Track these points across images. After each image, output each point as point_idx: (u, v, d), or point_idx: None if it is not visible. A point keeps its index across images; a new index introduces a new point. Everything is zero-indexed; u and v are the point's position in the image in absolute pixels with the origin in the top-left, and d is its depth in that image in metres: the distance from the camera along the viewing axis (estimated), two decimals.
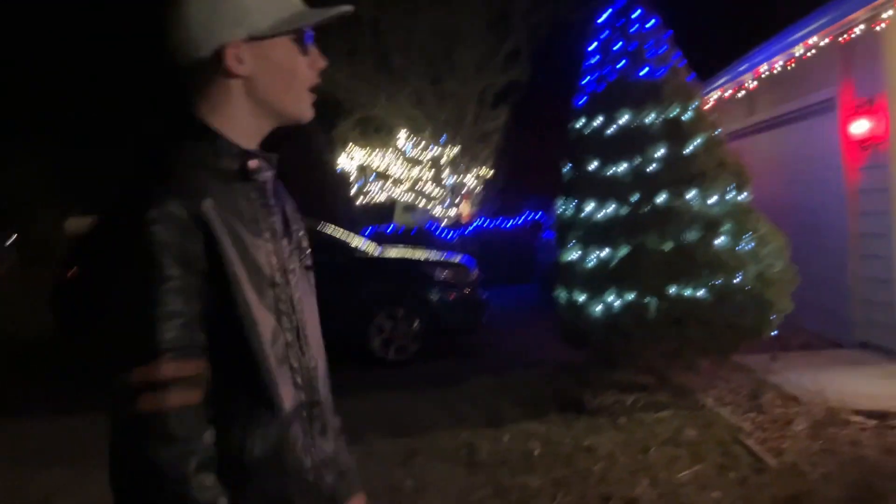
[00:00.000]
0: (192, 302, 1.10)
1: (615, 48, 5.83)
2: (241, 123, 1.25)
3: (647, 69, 5.66)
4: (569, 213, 5.94)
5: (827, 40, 6.21)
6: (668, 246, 5.29)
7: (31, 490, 4.70)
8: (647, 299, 5.26)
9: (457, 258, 8.95)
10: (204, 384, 1.11)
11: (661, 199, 5.35)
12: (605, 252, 5.50)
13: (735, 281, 5.19)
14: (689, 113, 5.55)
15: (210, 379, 1.12)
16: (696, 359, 5.55)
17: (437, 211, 18.37)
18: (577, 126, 5.95)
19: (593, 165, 5.70)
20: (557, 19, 15.51)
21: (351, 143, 18.65)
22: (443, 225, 16.70)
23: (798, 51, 6.58)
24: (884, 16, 5.50)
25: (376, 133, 18.46)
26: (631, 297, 5.31)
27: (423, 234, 14.96)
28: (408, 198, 19.05)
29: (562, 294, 5.85)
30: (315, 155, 18.48)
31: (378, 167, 18.77)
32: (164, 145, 1.22)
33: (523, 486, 4.13)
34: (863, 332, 6.61)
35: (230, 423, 1.14)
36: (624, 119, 5.59)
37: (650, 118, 5.51)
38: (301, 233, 1.37)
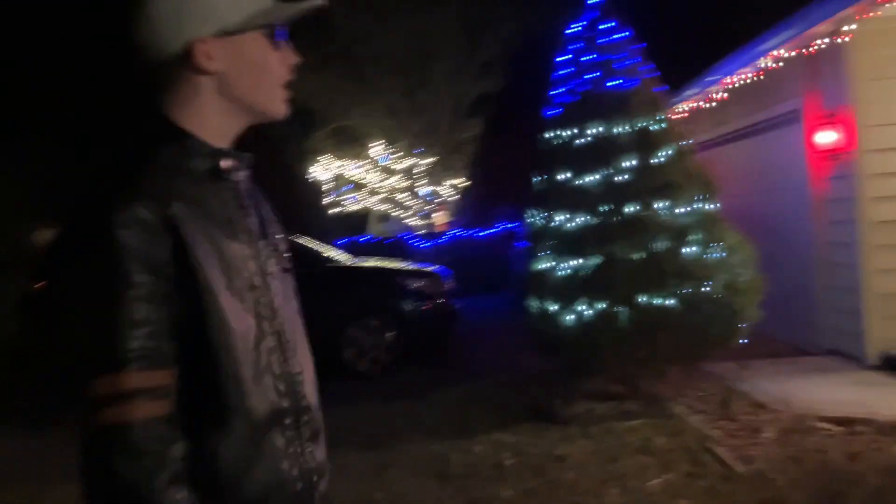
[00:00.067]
0: (159, 310, 1.05)
1: (586, 60, 5.88)
2: (212, 122, 1.20)
3: (617, 81, 5.71)
4: (540, 223, 5.96)
5: (792, 53, 6.32)
6: (638, 255, 5.33)
7: None
8: (617, 308, 5.29)
9: (430, 268, 8.94)
10: (172, 395, 1.06)
11: (630, 209, 5.39)
12: (576, 262, 5.53)
13: (704, 290, 5.25)
14: (658, 124, 5.61)
15: (181, 388, 1.08)
16: (667, 367, 5.60)
17: (412, 221, 18.38)
18: (548, 137, 5.98)
19: (564, 176, 5.74)
20: (530, 30, 15.62)
21: (325, 154, 18.62)
22: (417, 234, 16.70)
23: (764, 63, 6.69)
24: (845, 29, 5.60)
25: (351, 143, 18.44)
26: (601, 306, 5.34)
27: (397, 244, 14.95)
28: (382, 208, 19.04)
29: (533, 303, 5.87)
30: (288, 165, 18.42)
31: (352, 177, 18.74)
32: (131, 146, 1.18)
33: (494, 498, 4.13)
34: (830, 340, 6.70)
35: (202, 432, 1.10)
36: (594, 130, 5.64)
37: (620, 129, 5.56)
38: (278, 235, 1.33)
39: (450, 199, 18.88)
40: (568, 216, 5.65)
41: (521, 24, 16.12)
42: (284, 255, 1.33)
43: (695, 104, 8.71)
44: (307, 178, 18.94)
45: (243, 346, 1.13)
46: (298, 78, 1.31)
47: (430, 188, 18.21)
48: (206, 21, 1.15)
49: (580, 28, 6.02)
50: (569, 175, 5.72)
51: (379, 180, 18.50)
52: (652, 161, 5.49)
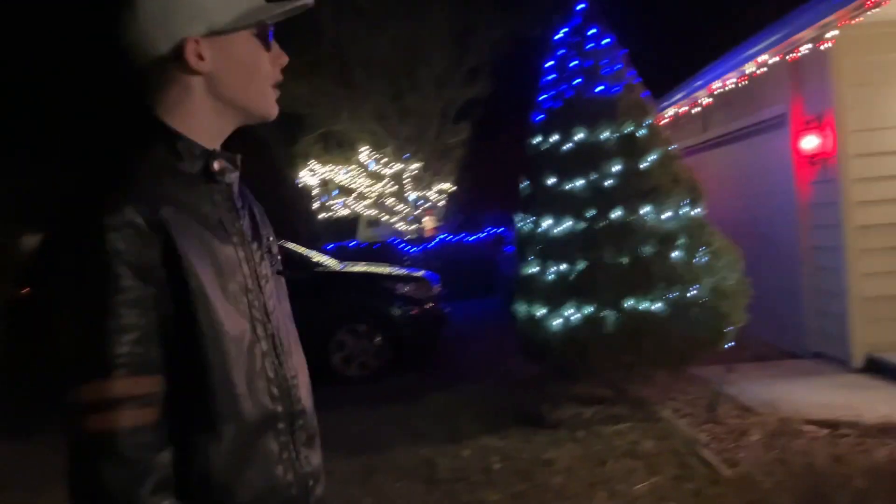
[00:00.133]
0: (148, 315, 1.04)
1: (571, 66, 5.91)
2: (202, 123, 1.19)
3: (602, 86, 5.74)
4: (527, 227, 5.98)
5: (776, 58, 6.37)
6: (624, 260, 5.35)
7: None
8: (604, 313, 5.31)
9: (419, 273, 8.94)
10: (160, 401, 1.05)
11: (616, 214, 5.42)
12: (563, 266, 5.55)
13: (690, 294, 5.27)
14: (643, 129, 5.64)
15: (171, 393, 1.06)
16: (654, 371, 5.62)
17: (401, 226, 18.37)
18: (535, 142, 6.01)
19: (551, 181, 5.76)
20: (518, 36, 15.67)
21: (313, 159, 18.59)
22: (406, 239, 16.69)
23: (749, 68, 6.74)
24: (828, 35, 5.65)
25: (339, 148, 18.42)
26: (588, 310, 5.36)
27: (385, 249, 14.94)
28: (371, 213, 19.02)
29: (521, 308, 5.89)
30: (276, 170, 18.38)
31: (341, 182, 18.72)
32: (120, 148, 1.16)
33: (482, 502, 4.15)
34: (816, 343, 6.75)
35: (192, 437, 1.08)
36: (580, 136, 5.66)
37: (605, 135, 5.59)
38: (271, 237, 1.32)
39: (438, 203, 18.89)
40: (555, 221, 5.68)
41: (508, 30, 16.17)
42: (277, 257, 1.32)
43: (681, 109, 8.76)
44: (296, 184, 18.91)
45: (236, 350, 1.12)
46: (286, 82, 1.30)
47: (419, 193, 18.22)
48: (195, 20, 1.14)
49: (565, 34, 6.05)
50: (555, 180, 5.74)
51: (367, 185, 18.48)
52: (638, 166, 5.52)
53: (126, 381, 1.01)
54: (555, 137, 5.81)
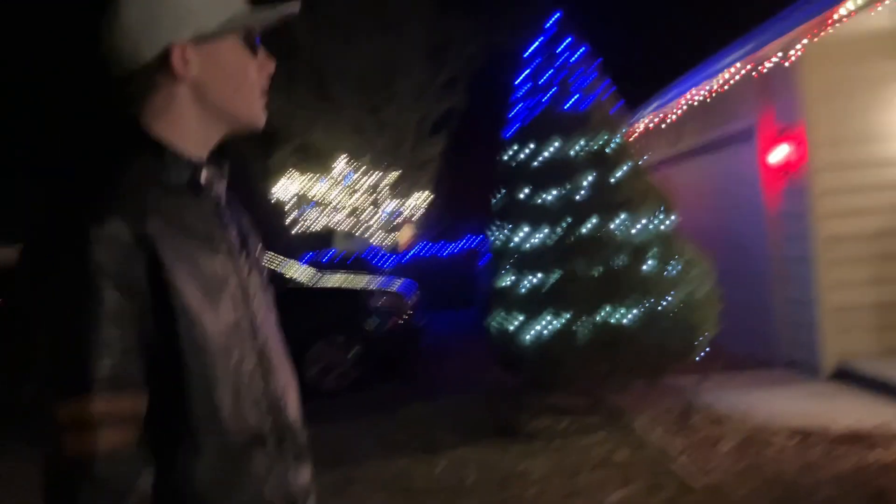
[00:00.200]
0: (130, 330, 1.00)
1: (544, 78, 5.97)
2: (189, 132, 1.15)
3: (574, 98, 5.80)
4: (501, 239, 6.01)
5: (745, 71, 6.47)
6: (597, 271, 5.40)
7: None
8: (578, 324, 5.35)
9: (396, 284, 8.94)
10: (141, 420, 1.01)
11: (589, 226, 5.46)
12: (537, 278, 5.58)
13: (662, 305, 5.33)
14: (615, 142, 5.70)
15: (154, 411, 1.02)
16: (628, 381, 5.66)
17: (377, 237, 18.36)
18: (508, 155, 6.05)
19: (523, 193, 5.80)
20: (493, 48, 15.78)
21: (290, 169, 18.54)
22: (382, 251, 16.69)
23: (719, 80, 6.84)
24: (795, 49, 5.76)
25: (314, 160, 18.40)
26: (562, 321, 5.40)
27: (361, 261, 14.91)
28: (347, 224, 19.00)
29: (496, 319, 5.91)
30: (250, 183, 18.30)
31: (316, 195, 18.69)
32: (104, 158, 1.12)
33: None
34: (787, 352, 6.84)
35: (176, 456, 1.04)
36: (552, 149, 5.71)
37: (577, 147, 5.64)
38: (259, 247, 1.29)
39: (415, 215, 18.91)
40: (528, 233, 5.71)
41: (483, 43, 16.29)
42: (265, 268, 1.29)
43: (654, 121, 8.87)
44: (270, 197, 18.85)
45: (222, 367, 1.08)
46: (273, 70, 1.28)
47: (395, 204, 18.24)
48: (181, 26, 1.11)
49: (538, 46, 6.11)
50: (528, 193, 5.78)
51: (343, 197, 18.47)
52: (609, 179, 5.58)
53: (107, 398, 0.97)
54: (527, 150, 5.86)
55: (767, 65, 6.09)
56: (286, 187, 18.69)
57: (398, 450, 5.34)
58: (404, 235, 18.58)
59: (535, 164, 5.78)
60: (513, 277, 5.77)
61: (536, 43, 6.13)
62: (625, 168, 5.63)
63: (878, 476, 4.04)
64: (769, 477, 4.18)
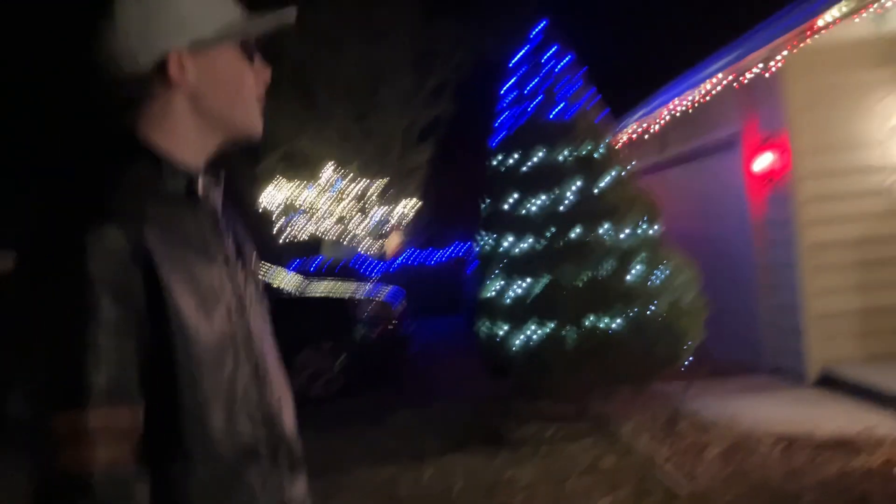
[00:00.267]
0: (127, 342, 0.98)
1: (530, 86, 6.00)
2: (185, 140, 1.14)
3: (560, 106, 5.83)
4: (489, 247, 6.03)
5: (729, 80, 6.53)
6: (583, 278, 5.42)
7: None
8: (565, 331, 5.36)
9: (383, 291, 8.93)
10: (138, 433, 0.98)
11: (575, 233, 5.49)
12: (524, 285, 5.60)
13: (649, 312, 5.35)
14: (601, 149, 5.73)
15: (148, 423, 1.00)
16: (615, 388, 5.68)
17: (365, 245, 18.35)
18: (495, 163, 6.07)
19: (510, 201, 5.82)
20: (480, 56, 15.85)
21: (277, 177, 18.52)
22: (370, 258, 16.67)
23: (704, 89, 6.90)
24: (778, 58, 5.82)
25: (302, 167, 18.39)
26: (549, 328, 5.41)
27: (348, 268, 14.90)
28: (335, 232, 18.98)
29: (483, 327, 5.92)
30: (237, 191, 18.25)
31: (304, 202, 18.67)
32: (99, 166, 1.10)
33: None
34: (773, 358, 6.88)
35: (167, 471, 1.02)
36: (538, 156, 5.73)
37: (563, 155, 5.67)
38: (254, 255, 1.27)
39: (403, 222, 18.92)
40: (515, 240, 5.73)
41: (470, 50, 16.35)
42: (260, 277, 1.28)
43: (639, 129, 8.92)
44: (258, 205, 18.80)
45: (216, 379, 1.06)
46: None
47: (383, 211, 18.24)
48: (178, 33, 1.10)
49: (524, 54, 6.14)
50: (515, 200, 5.80)
51: (331, 205, 18.45)
52: (595, 186, 5.60)
53: (103, 411, 0.95)
54: (514, 158, 5.88)
55: (749, 75, 6.14)
56: (273, 195, 18.66)
57: (385, 457, 5.33)
58: (392, 243, 18.58)
59: (522, 172, 5.81)
60: (500, 285, 5.79)
61: (522, 51, 6.17)
62: (610, 176, 5.66)
63: (861, 482, 4.07)
64: (754, 483, 4.20)
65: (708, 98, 6.91)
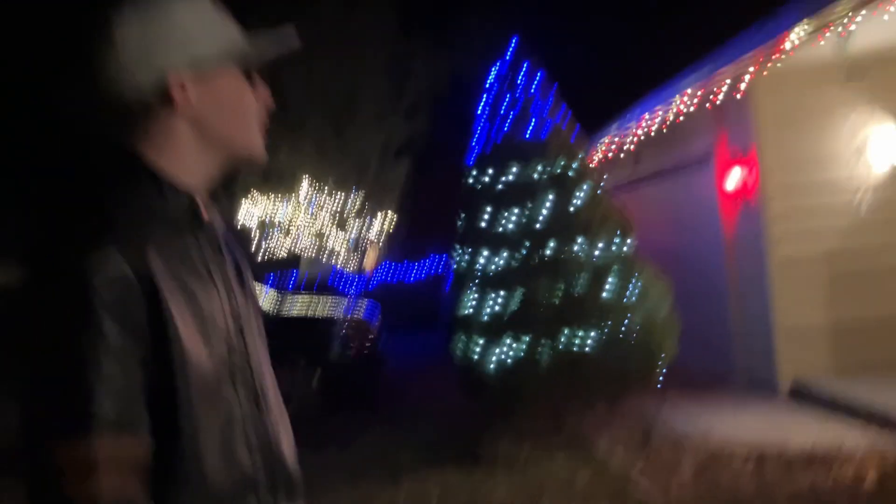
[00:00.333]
0: (131, 368, 0.94)
1: (503, 104, 6.06)
2: (187, 163, 1.11)
3: (534, 124, 5.89)
4: (464, 263, 6.05)
5: (698, 95, 6.64)
6: (557, 295, 5.45)
7: None
8: (539, 347, 5.39)
9: (360, 308, 8.91)
10: (145, 464, 0.95)
11: (549, 250, 5.53)
12: (499, 301, 5.62)
13: (622, 327, 5.39)
14: (574, 167, 5.79)
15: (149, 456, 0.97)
16: (590, 403, 5.70)
17: (342, 260, 18.30)
18: (469, 180, 6.11)
19: (486, 217, 5.85)
20: (455, 73, 15.95)
21: (253, 193, 18.43)
22: (347, 274, 16.63)
23: (675, 107, 7.00)
24: (746, 78, 5.93)
25: (279, 183, 18.33)
26: (524, 344, 5.43)
27: (325, 285, 14.83)
28: (311, 248, 18.90)
29: (459, 343, 5.93)
30: (215, 207, 18.11)
31: (281, 219, 18.59)
32: (101, 188, 1.08)
33: None
34: (746, 372, 6.95)
35: (165, 499, 0.98)
36: (512, 174, 5.78)
37: (537, 173, 5.72)
38: (251, 280, 1.25)
39: (380, 237, 18.90)
40: (490, 257, 5.76)
41: (446, 67, 16.45)
42: (258, 301, 1.26)
43: (612, 146, 9.02)
44: (235, 222, 18.69)
45: (215, 406, 1.03)
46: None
47: (360, 226, 18.22)
48: (180, 55, 1.09)
49: (497, 72, 6.20)
50: (490, 216, 5.84)
51: (308, 221, 18.39)
52: (569, 202, 5.66)
53: (109, 440, 0.91)
54: (488, 176, 5.92)
55: (721, 93, 6.25)
56: (250, 211, 18.56)
57: (361, 476, 5.30)
58: (369, 258, 18.54)
59: (496, 189, 5.85)
60: (475, 301, 5.81)
61: (495, 70, 6.23)
62: (584, 192, 5.72)
63: (832, 495, 4.12)
64: (727, 497, 4.24)
65: (680, 115, 7.01)
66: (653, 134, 7.86)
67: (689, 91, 6.65)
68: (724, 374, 7.18)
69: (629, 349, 5.37)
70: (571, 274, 5.45)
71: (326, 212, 18.24)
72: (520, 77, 6.10)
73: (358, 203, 17.93)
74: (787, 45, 5.44)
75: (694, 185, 7.73)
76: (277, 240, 18.99)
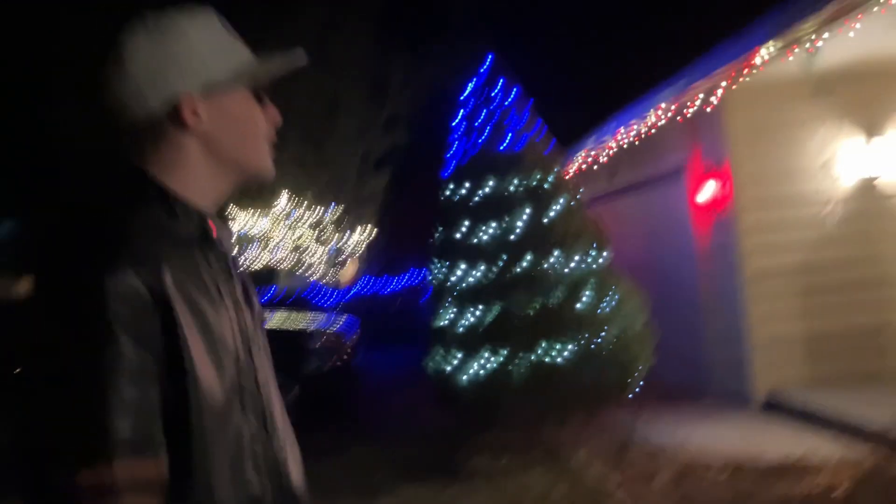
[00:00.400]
0: (149, 389, 0.93)
1: (479, 118, 6.09)
2: (198, 183, 1.12)
3: (509, 138, 5.93)
4: (441, 276, 6.06)
5: (672, 110, 6.72)
6: (534, 307, 5.47)
7: None
8: (516, 360, 5.40)
9: (337, 322, 8.88)
10: (164, 487, 0.93)
11: (525, 262, 5.55)
12: (476, 314, 5.63)
13: (598, 340, 5.42)
14: (549, 180, 5.83)
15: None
16: (565, 417, 5.72)
17: (320, 274, 18.23)
18: (446, 193, 6.13)
19: (462, 231, 5.87)
20: (434, 86, 16.03)
21: (231, 206, 18.33)
22: (325, 287, 16.57)
23: (649, 121, 7.08)
24: (718, 92, 6.02)
25: (257, 196, 18.25)
26: (501, 358, 5.44)
27: (302, 299, 14.78)
28: (289, 261, 18.83)
29: (435, 356, 5.92)
30: None
31: (259, 232, 18.51)
32: (113, 208, 1.07)
33: None
34: (720, 384, 7.01)
35: None
36: (488, 187, 5.81)
37: (513, 186, 5.75)
38: (257, 300, 1.24)
39: (358, 250, 18.87)
40: (467, 270, 5.77)
41: (424, 81, 16.53)
42: (265, 323, 1.26)
43: (587, 159, 9.09)
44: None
45: (224, 429, 1.02)
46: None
47: (339, 240, 18.18)
48: (190, 76, 1.09)
49: (473, 87, 6.24)
50: (467, 229, 5.85)
51: (285, 234, 18.33)
52: (545, 215, 5.69)
53: (129, 463, 0.89)
54: (465, 189, 5.94)
55: (692, 108, 6.34)
56: (230, 224, 18.46)
57: (338, 492, 5.26)
58: (347, 271, 18.50)
59: (472, 202, 5.87)
60: (452, 315, 5.81)
61: (471, 85, 6.26)
62: (559, 206, 5.76)
63: None
64: None
65: (654, 129, 7.09)
66: (628, 147, 7.94)
67: (662, 105, 6.73)
68: (698, 385, 7.24)
69: (605, 362, 5.39)
70: (547, 287, 5.48)
71: (305, 225, 18.19)
72: (495, 92, 6.14)
73: (336, 216, 17.90)
74: (758, 61, 5.53)
75: (668, 198, 7.81)
76: (254, 253, 18.90)
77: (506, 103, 6.08)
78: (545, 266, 5.54)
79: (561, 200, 5.79)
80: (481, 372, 5.47)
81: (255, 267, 18.96)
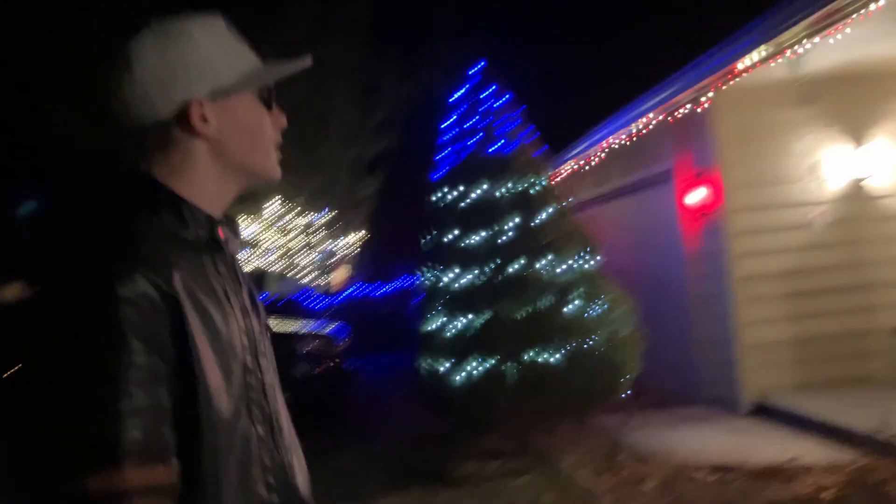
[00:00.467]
0: (160, 395, 0.93)
1: (470, 123, 6.09)
2: (206, 188, 1.12)
3: (499, 143, 5.93)
4: (430, 281, 6.05)
5: (661, 117, 6.74)
6: (523, 313, 5.47)
7: None
8: (505, 365, 5.39)
9: (328, 327, 8.86)
10: (175, 493, 0.93)
11: (514, 267, 5.55)
12: (465, 320, 5.63)
13: (587, 345, 5.42)
14: (539, 185, 5.83)
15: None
16: (555, 422, 5.71)
17: (311, 278, 18.19)
18: (435, 198, 6.13)
19: (451, 236, 5.87)
20: (424, 92, 16.03)
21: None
22: (316, 292, 16.54)
23: (637, 126, 7.10)
24: (706, 97, 6.04)
25: (247, 199, 18.21)
26: (490, 363, 5.43)
27: (293, 303, 14.74)
28: (279, 266, 18.78)
29: (425, 362, 5.91)
30: None
31: (248, 236, 18.45)
32: (120, 214, 1.07)
33: None
34: (708, 389, 7.02)
35: None
36: (478, 192, 5.81)
37: (502, 191, 5.75)
38: (264, 308, 1.24)
39: (349, 255, 18.84)
40: (456, 275, 5.77)
41: (415, 85, 16.54)
42: (271, 330, 1.26)
43: (578, 164, 9.11)
44: None
45: (232, 436, 1.02)
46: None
47: (329, 245, 18.15)
48: (198, 81, 1.09)
49: (463, 93, 6.24)
50: (456, 235, 5.85)
51: (276, 238, 18.28)
52: (534, 221, 5.69)
53: (140, 470, 0.89)
54: (455, 193, 5.94)
55: (681, 112, 6.36)
56: None
57: (324, 499, 5.23)
58: (338, 276, 18.46)
59: (463, 206, 5.87)
60: (442, 319, 5.80)
61: (461, 90, 6.27)
62: (549, 210, 5.76)
63: None
64: None
65: (643, 134, 7.11)
66: (617, 152, 7.96)
67: (651, 114, 6.76)
68: (687, 390, 7.24)
69: (594, 367, 5.40)
70: (537, 292, 5.47)
71: (295, 229, 18.15)
72: (486, 95, 6.14)
73: (327, 219, 17.88)
74: (743, 67, 5.55)
75: (657, 203, 7.82)
76: (244, 257, 18.84)
77: (495, 108, 6.08)
78: (534, 271, 5.54)
79: (550, 205, 5.79)
80: (471, 377, 5.46)
81: (245, 271, 18.90)
